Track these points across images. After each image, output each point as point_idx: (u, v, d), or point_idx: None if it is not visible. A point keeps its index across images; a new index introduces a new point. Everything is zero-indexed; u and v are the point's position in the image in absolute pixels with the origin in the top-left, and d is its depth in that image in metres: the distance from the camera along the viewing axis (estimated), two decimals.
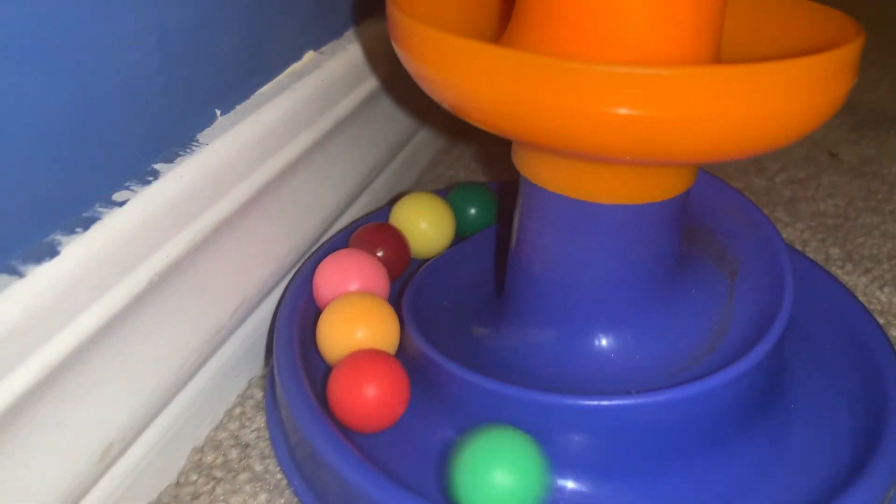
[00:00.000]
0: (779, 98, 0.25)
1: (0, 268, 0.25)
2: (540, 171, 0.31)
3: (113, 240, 0.28)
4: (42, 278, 0.26)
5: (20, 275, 0.25)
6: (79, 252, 0.27)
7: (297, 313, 0.36)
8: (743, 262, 0.36)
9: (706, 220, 0.38)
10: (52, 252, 0.26)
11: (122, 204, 0.29)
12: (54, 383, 0.27)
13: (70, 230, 0.27)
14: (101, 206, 0.29)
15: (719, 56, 0.30)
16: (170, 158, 0.32)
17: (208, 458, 0.34)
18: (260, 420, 0.36)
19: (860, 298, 0.42)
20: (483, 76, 0.26)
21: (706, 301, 0.34)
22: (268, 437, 0.35)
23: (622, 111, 0.24)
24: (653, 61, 0.27)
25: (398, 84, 0.50)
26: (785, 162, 0.59)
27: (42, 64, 0.25)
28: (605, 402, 0.30)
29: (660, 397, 0.30)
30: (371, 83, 0.46)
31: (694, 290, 0.34)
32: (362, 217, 0.45)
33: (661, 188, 0.31)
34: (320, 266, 0.38)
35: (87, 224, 0.28)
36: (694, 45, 0.28)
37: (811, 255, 0.48)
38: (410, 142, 0.56)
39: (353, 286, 0.37)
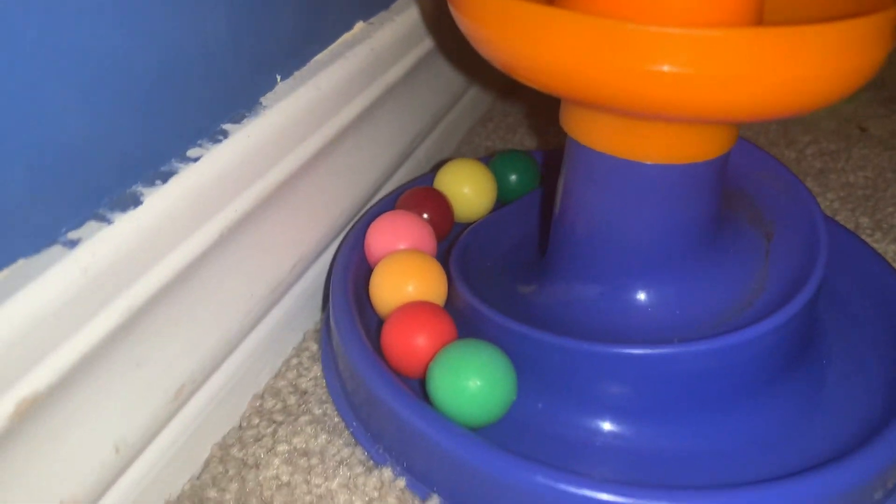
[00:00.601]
0: (817, 60, 0.26)
1: (89, 215, 0.27)
2: (588, 132, 0.33)
3: (189, 193, 0.30)
4: (128, 225, 0.28)
5: (108, 221, 0.27)
6: (159, 202, 0.29)
7: (352, 270, 0.38)
8: (778, 224, 0.37)
9: (743, 185, 0.39)
10: (135, 202, 0.28)
11: (196, 160, 0.31)
12: (136, 324, 0.29)
13: (150, 182, 0.29)
14: (177, 162, 0.31)
15: (762, 19, 0.31)
16: (237, 119, 0.34)
17: (268, 404, 0.36)
18: (316, 370, 0.38)
19: None
20: (538, 37, 0.28)
21: (744, 260, 0.36)
22: (324, 384, 0.37)
23: (670, 69, 0.26)
24: (699, 24, 0.29)
25: (441, 55, 0.52)
26: (815, 135, 0.60)
27: (129, 29, 0.27)
28: (649, 351, 0.31)
29: (701, 346, 0.31)
30: (416, 53, 0.48)
31: (732, 249, 0.36)
32: (408, 182, 0.47)
33: (703, 149, 0.32)
34: (372, 226, 0.40)
35: (166, 177, 0.30)
36: (738, 9, 0.29)
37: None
38: (450, 112, 0.57)
39: (403, 245, 0.39)
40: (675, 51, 0.26)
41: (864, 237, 0.48)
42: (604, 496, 0.27)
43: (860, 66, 0.27)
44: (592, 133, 0.33)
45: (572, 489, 0.28)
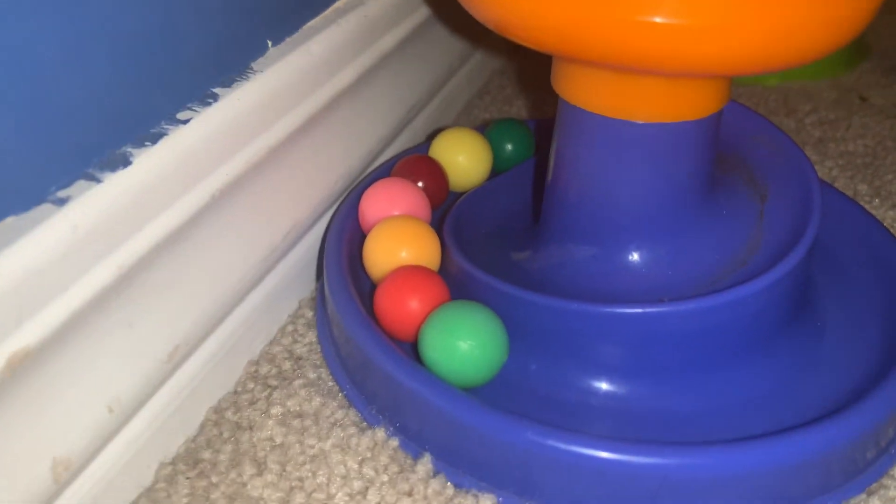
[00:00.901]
0: (807, 8, 0.26)
1: (78, 175, 0.28)
2: (579, 92, 0.33)
3: (179, 154, 0.30)
4: (117, 185, 0.28)
5: (98, 181, 0.27)
6: (149, 163, 0.29)
7: (346, 236, 0.38)
8: (772, 186, 0.37)
9: (737, 148, 0.39)
10: (125, 162, 0.28)
11: (185, 122, 0.31)
12: (128, 284, 0.29)
13: (140, 143, 0.29)
14: (166, 124, 0.31)
15: None
16: (227, 84, 0.34)
17: (263, 370, 0.36)
18: (311, 336, 0.38)
19: None
20: None
21: (737, 220, 0.36)
22: (319, 350, 0.37)
23: (662, 20, 0.26)
24: None
25: (437, 25, 0.52)
26: (815, 104, 0.60)
27: None
28: (641, 310, 0.31)
29: (693, 304, 0.31)
30: (412, 21, 0.48)
31: (726, 210, 0.36)
32: (403, 151, 0.47)
33: (694, 107, 0.32)
34: (366, 192, 0.40)
35: (155, 139, 0.30)
36: None
37: None
38: (447, 83, 0.57)
39: (397, 211, 0.39)
40: (665, 1, 0.25)
41: (862, 204, 0.48)
42: (594, 452, 0.28)
43: (850, 15, 0.27)
44: (583, 93, 0.33)
45: (563, 445, 0.28)
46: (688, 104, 0.32)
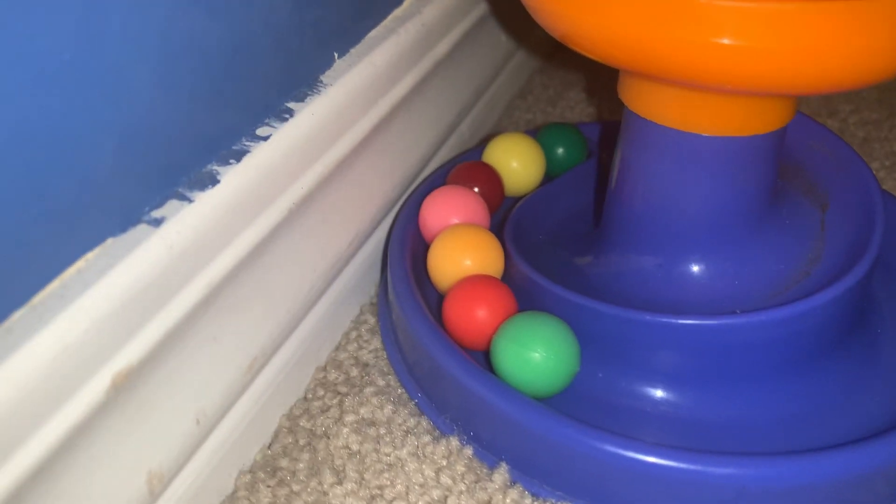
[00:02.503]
0: (879, 32, 0.26)
1: (170, 194, 0.28)
2: (647, 104, 0.33)
3: (261, 171, 0.31)
4: (208, 203, 0.28)
5: (189, 200, 0.28)
6: (235, 180, 0.30)
7: (408, 245, 0.39)
8: (832, 195, 0.37)
9: (796, 156, 0.40)
10: (213, 180, 0.29)
11: (265, 139, 0.32)
12: (215, 299, 0.30)
13: (225, 161, 0.30)
14: (247, 141, 0.31)
15: None
16: (300, 98, 0.34)
17: (332, 376, 0.37)
18: (376, 342, 0.39)
19: None
20: (601, 8, 0.28)
21: (800, 231, 0.36)
22: (385, 357, 0.38)
23: (732, 42, 0.26)
24: None
25: (484, 28, 0.52)
26: (857, 104, 0.60)
27: (203, 10, 0.28)
28: (705, 322, 0.32)
29: (758, 317, 0.32)
30: (463, 26, 0.48)
31: (788, 220, 0.36)
32: (457, 156, 0.47)
33: (762, 121, 0.32)
34: (426, 201, 0.40)
35: (239, 156, 0.30)
36: None
37: None
38: (491, 85, 0.57)
39: (457, 219, 0.40)
40: (738, 24, 0.26)
41: None
42: (666, 462, 0.28)
43: None
44: (652, 105, 0.33)
45: (639, 456, 0.29)
46: (757, 118, 0.32)
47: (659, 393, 0.34)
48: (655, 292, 0.36)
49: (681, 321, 0.32)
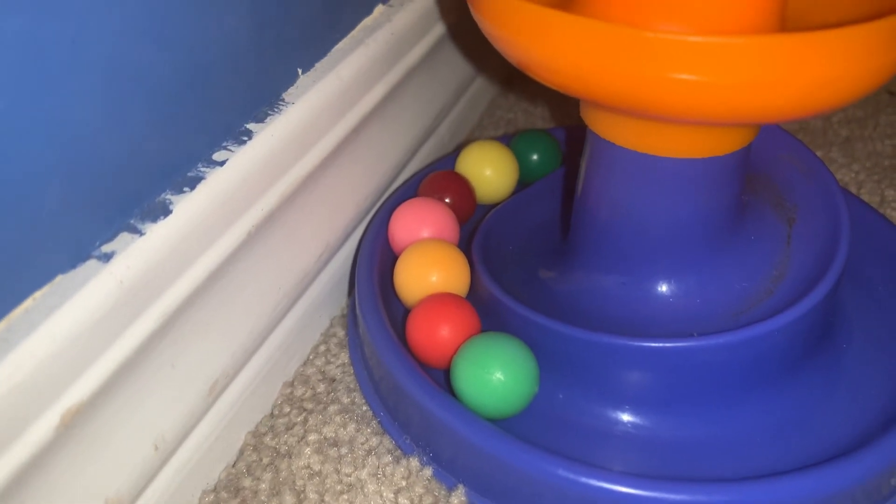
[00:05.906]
0: (835, 64, 0.26)
1: (122, 227, 0.28)
2: (608, 127, 0.33)
3: (217, 197, 0.31)
4: (159, 235, 0.28)
5: (140, 233, 0.28)
6: (188, 210, 0.30)
7: (376, 260, 0.39)
8: (800, 209, 0.37)
9: (765, 168, 0.39)
10: (165, 211, 0.29)
11: (222, 164, 0.32)
12: (170, 328, 0.30)
13: (178, 189, 0.30)
14: (203, 166, 0.31)
15: (782, 25, 0.31)
16: (260, 118, 0.34)
17: (298, 392, 0.37)
18: (343, 356, 0.39)
19: None
20: (556, 43, 0.28)
21: (765, 247, 0.36)
22: (352, 372, 0.38)
23: (689, 77, 0.26)
24: (718, 31, 0.28)
25: (459, 32, 0.52)
26: None
27: (153, 35, 0.28)
28: (668, 344, 0.32)
29: (720, 339, 0.32)
30: (435, 32, 0.48)
31: (753, 236, 0.36)
32: (429, 165, 0.47)
33: (724, 143, 0.32)
34: (395, 213, 0.40)
35: (193, 183, 0.30)
36: (757, 16, 0.29)
37: (866, 197, 0.49)
38: (470, 87, 0.57)
39: (426, 232, 0.40)
40: (694, 59, 0.25)
41: (889, 211, 0.48)
42: (623, 489, 0.28)
43: (877, 69, 0.27)
44: (613, 128, 0.33)
45: (594, 482, 0.29)
46: (718, 142, 0.32)
47: (620, 414, 0.34)
48: (620, 310, 0.36)
49: (639, 343, 0.32)
